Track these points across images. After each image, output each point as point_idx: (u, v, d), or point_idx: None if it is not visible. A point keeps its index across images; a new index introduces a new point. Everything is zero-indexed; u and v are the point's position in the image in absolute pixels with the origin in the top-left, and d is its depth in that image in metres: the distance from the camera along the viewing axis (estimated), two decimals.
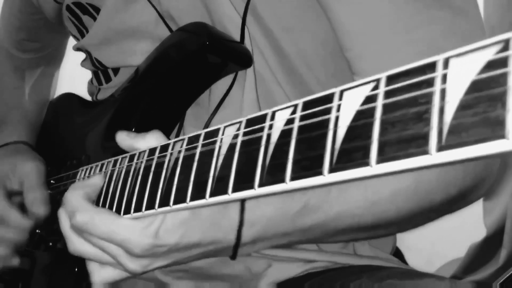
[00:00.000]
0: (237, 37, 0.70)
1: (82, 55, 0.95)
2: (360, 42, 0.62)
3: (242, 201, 0.57)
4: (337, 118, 0.35)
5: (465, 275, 1.12)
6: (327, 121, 0.36)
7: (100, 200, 0.61)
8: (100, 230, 0.55)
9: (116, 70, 0.87)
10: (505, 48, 0.27)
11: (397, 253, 0.88)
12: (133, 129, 0.69)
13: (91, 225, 0.55)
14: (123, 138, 0.61)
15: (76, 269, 0.70)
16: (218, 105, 0.72)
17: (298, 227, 0.59)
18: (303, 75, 0.73)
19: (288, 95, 0.73)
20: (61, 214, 0.60)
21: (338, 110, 0.35)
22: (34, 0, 0.96)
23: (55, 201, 0.81)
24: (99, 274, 0.60)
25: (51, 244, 0.79)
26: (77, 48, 0.93)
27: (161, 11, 0.77)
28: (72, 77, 1.15)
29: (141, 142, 0.59)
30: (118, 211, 0.57)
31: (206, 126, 0.73)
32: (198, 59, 0.68)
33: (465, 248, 1.19)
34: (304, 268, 0.73)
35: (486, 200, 1.17)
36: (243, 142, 0.43)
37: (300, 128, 0.38)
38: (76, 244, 0.59)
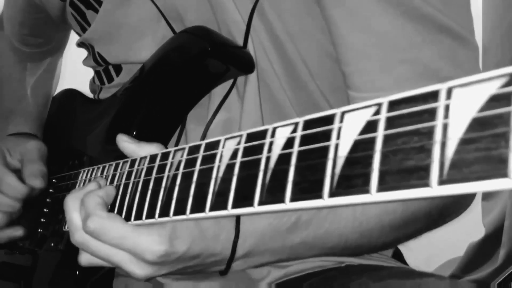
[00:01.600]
0: (240, 37, 0.69)
1: (84, 53, 0.94)
2: (358, 57, 0.62)
3: (237, 216, 0.57)
4: (337, 140, 0.35)
5: (464, 274, 1.13)
6: (327, 145, 0.36)
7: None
8: (111, 235, 0.54)
9: (118, 70, 0.87)
10: (509, 83, 0.27)
11: (397, 253, 0.88)
12: (135, 132, 0.69)
13: (103, 230, 0.54)
14: (126, 146, 0.61)
15: (77, 272, 0.70)
16: (218, 108, 0.72)
17: (288, 243, 0.59)
18: (307, 82, 0.73)
19: (291, 101, 0.73)
20: (71, 212, 0.58)
21: (338, 133, 0.35)
22: (37, 0, 0.96)
23: (57, 200, 0.81)
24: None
25: (53, 244, 0.79)
26: (80, 43, 0.93)
27: (164, 8, 0.76)
28: (74, 74, 1.15)
29: (145, 149, 0.59)
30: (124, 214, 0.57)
31: (207, 128, 0.73)
32: (200, 64, 0.68)
33: (463, 247, 1.20)
34: (305, 267, 0.74)
35: (485, 200, 1.17)
36: (243, 158, 0.43)
37: (301, 150, 0.38)
38: (82, 244, 0.57)
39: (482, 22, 1.17)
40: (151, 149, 0.58)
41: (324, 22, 0.66)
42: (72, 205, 0.58)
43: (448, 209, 0.66)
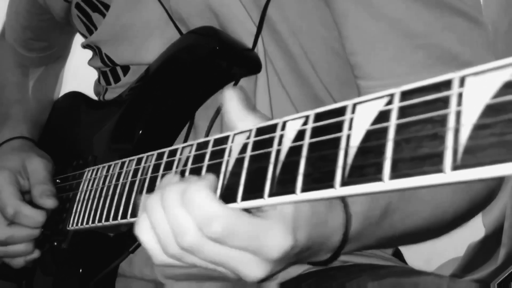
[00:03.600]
0: (247, 40, 0.70)
1: (87, 55, 0.95)
2: (372, 45, 0.62)
3: (343, 199, 0.50)
4: (349, 131, 0.36)
5: (464, 274, 1.13)
6: (339, 136, 0.36)
7: (107, 201, 0.61)
8: (240, 237, 0.43)
9: (126, 70, 0.87)
10: None
11: (397, 253, 0.88)
12: (140, 131, 0.69)
13: (231, 233, 0.42)
14: (232, 106, 0.48)
15: (80, 270, 0.70)
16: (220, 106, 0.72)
17: (379, 229, 0.55)
18: (311, 79, 0.73)
19: (297, 97, 0.73)
20: (179, 216, 0.44)
21: (350, 124, 0.36)
22: (41, 1, 0.96)
23: (61, 200, 0.81)
24: None
25: (55, 244, 0.79)
26: (86, 45, 0.93)
27: (171, 12, 0.77)
28: (77, 76, 1.15)
29: (248, 121, 0.46)
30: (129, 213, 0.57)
31: (211, 125, 0.73)
32: (208, 64, 0.68)
33: (464, 247, 1.20)
34: (308, 266, 0.74)
35: None
36: (253, 152, 0.43)
37: (312, 142, 0.38)
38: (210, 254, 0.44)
39: None
40: (257, 120, 0.46)
41: (328, 18, 0.66)
42: (174, 201, 0.44)
43: (495, 190, 0.66)
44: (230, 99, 0.48)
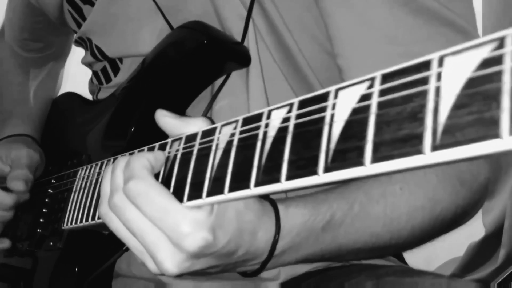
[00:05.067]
0: (240, 28, 0.70)
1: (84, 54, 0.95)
2: (354, 50, 0.61)
3: (276, 211, 0.52)
4: (332, 116, 0.35)
5: (464, 274, 1.12)
6: (322, 120, 0.36)
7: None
8: (153, 206, 0.46)
9: (116, 70, 0.87)
10: (500, 46, 0.27)
11: (396, 253, 0.87)
12: (133, 128, 0.69)
13: (145, 197, 0.46)
14: (167, 121, 0.53)
15: (76, 269, 0.70)
16: (215, 95, 0.71)
17: (320, 243, 0.55)
18: (306, 72, 0.73)
19: (293, 88, 0.73)
20: (115, 170, 0.50)
21: (333, 109, 0.35)
22: (34, 2, 0.97)
23: (56, 200, 0.81)
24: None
25: (52, 243, 0.79)
26: (78, 39, 0.93)
27: (161, 1, 0.77)
28: (75, 76, 1.16)
29: (191, 126, 0.51)
30: None
31: (204, 115, 0.72)
32: (197, 58, 0.68)
33: (464, 247, 1.20)
34: (309, 267, 0.73)
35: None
36: (239, 141, 0.43)
37: (296, 126, 0.38)
38: (117, 208, 0.48)
39: (482, 22, 1.18)
40: (198, 123, 0.51)
41: (320, 18, 0.66)
42: (118, 164, 0.50)
43: (471, 206, 0.63)
44: (163, 115, 0.53)
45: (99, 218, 0.62)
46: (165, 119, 0.53)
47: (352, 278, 0.70)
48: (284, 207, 0.52)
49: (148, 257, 0.48)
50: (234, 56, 0.68)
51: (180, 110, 0.72)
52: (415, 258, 0.93)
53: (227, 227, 0.47)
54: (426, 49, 0.59)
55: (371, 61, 0.60)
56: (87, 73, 0.97)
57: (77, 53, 1.01)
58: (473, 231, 1.17)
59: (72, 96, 0.99)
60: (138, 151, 0.58)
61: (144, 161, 0.48)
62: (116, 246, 0.73)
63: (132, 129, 0.69)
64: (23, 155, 0.87)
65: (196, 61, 0.68)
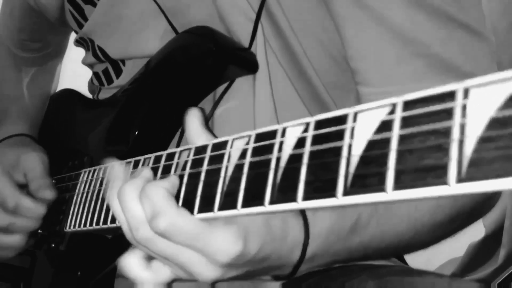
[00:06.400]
0: (247, 32, 0.69)
1: (83, 53, 0.94)
2: (372, 52, 0.61)
3: (304, 215, 0.52)
4: (351, 142, 0.35)
5: (464, 274, 1.13)
6: (340, 146, 0.35)
7: (104, 204, 0.61)
8: (182, 235, 0.46)
9: (119, 72, 0.86)
10: None
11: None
12: (136, 133, 0.69)
13: (173, 229, 0.46)
14: (194, 125, 0.53)
15: (79, 273, 0.70)
16: (218, 100, 0.71)
17: (347, 245, 0.56)
18: (311, 77, 0.72)
19: (298, 91, 0.72)
20: (130, 202, 0.49)
21: (352, 133, 0.35)
22: (33, 4, 0.95)
23: (57, 201, 0.80)
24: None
25: (53, 245, 0.78)
26: (79, 39, 0.92)
27: (163, 3, 0.76)
28: (74, 75, 1.14)
29: (204, 137, 0.51)
30: None
31: (208, 119, 0.72)
32: (204, 64, 0.67)
33: (464, 247, 1.20)
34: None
35: None
36: (253, 156, 0.43)
37: (313, 150, 0.37)
38: (146, 241, 0.49)
39: None
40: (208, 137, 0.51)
41: (327, 22, 0.65)
42: (131, 195, 0.49)
43: (486, 205, 0.66)
44: (194, 116, 0.53)
45: (104, 223, 0.62)
46: (194, 121, 0.53)
47: (353, 278, 0.71)
48: (312, 211, 0.52)
49: (182, 273, 0.50)
50: (242, 63, 0.67)
51: (184, 113, 0.72)
52: (415, 258, 0.93)
53: (257, 235, 0.48)
54: (444, 50, 0.59)
55: (389, 61, 0.60)
56: (86, 72, 0.96)
57: (76, 53, 1.00)
58: (473, 231, 1.17)
59: (72, 93, 0.98)
60: (145, 159, 0.58)
61: (164, 192, 0.47)
62: (119, 251, 0.73)
63: (136, 133, 0.68)
64: (37, 162, 0.86)
65: (203, 67, 0.68)
